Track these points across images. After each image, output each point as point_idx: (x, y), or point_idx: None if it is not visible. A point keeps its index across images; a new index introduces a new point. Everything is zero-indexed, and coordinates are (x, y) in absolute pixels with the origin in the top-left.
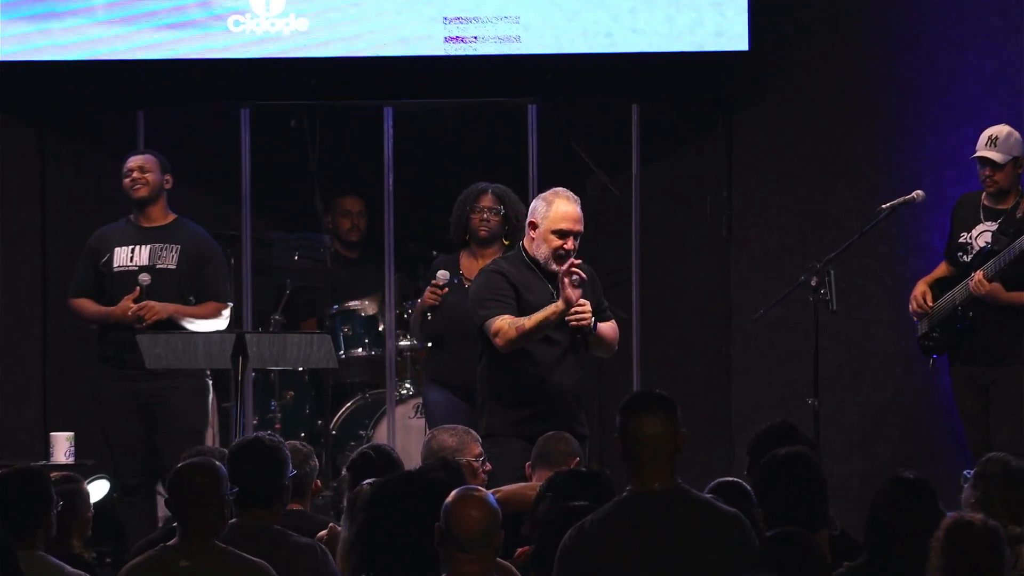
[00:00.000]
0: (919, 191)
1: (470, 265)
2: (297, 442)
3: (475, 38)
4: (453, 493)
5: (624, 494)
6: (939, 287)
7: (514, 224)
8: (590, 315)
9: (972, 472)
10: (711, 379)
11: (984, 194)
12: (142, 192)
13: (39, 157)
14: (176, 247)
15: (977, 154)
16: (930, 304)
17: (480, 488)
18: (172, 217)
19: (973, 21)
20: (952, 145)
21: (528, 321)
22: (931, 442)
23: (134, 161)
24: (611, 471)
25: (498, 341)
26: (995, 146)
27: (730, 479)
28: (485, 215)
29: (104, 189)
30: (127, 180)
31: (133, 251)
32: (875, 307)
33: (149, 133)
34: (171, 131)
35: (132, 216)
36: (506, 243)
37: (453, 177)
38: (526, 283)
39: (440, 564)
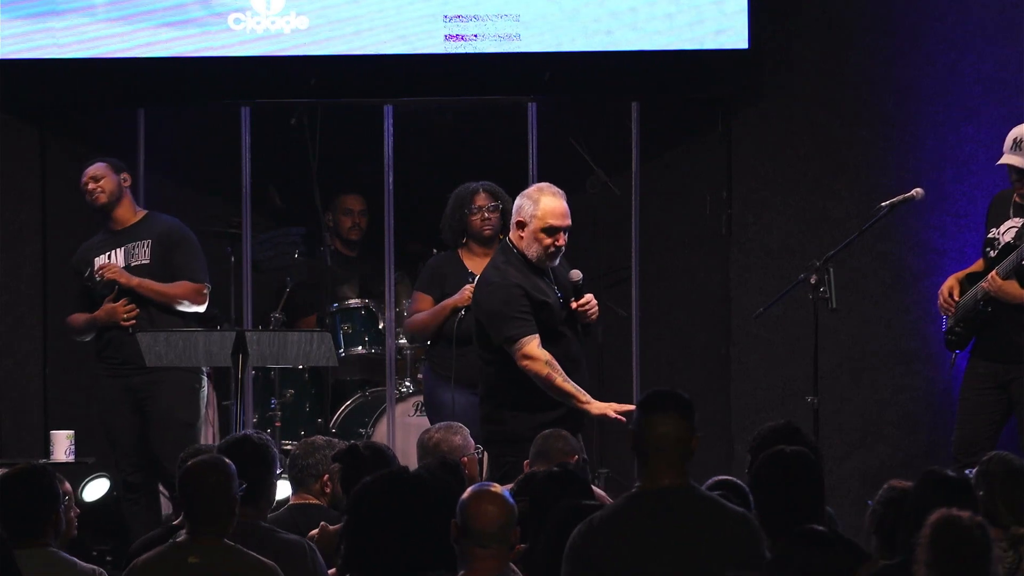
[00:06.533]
0: (918, 189)
1: (477, 264)
2: (320, 437)
3: (475, 36)
4: (470, 490)
5: (633, 490)
6: (970, 282)
7: (508, 218)
8: (597, 307)
9: (974, 472)
10: (711, 378)
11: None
12: (101, 199)
13: (39, 157)
14: (147, 242)
15: (1001, 161)
16: (956, 299)
17: (495, 484)
18: (142, 214)
19: (972, 21)
20: (951, 144)
21: (564, 382)
22: (930, 442)
23: (85, 174)
24: (608, 470)
25: (528, 365)
26: (1019, 150)
27: (727, 478)
28: (486, 214)
29: None
30: (85, 194)
31: (110, 257)
32: (875, 305)
33: (149, 131)
34: (171, 129)
35: (105, 223)
36: (501, 237)
37: (453, 175)
38: (535, 286)
39: (455, 560)
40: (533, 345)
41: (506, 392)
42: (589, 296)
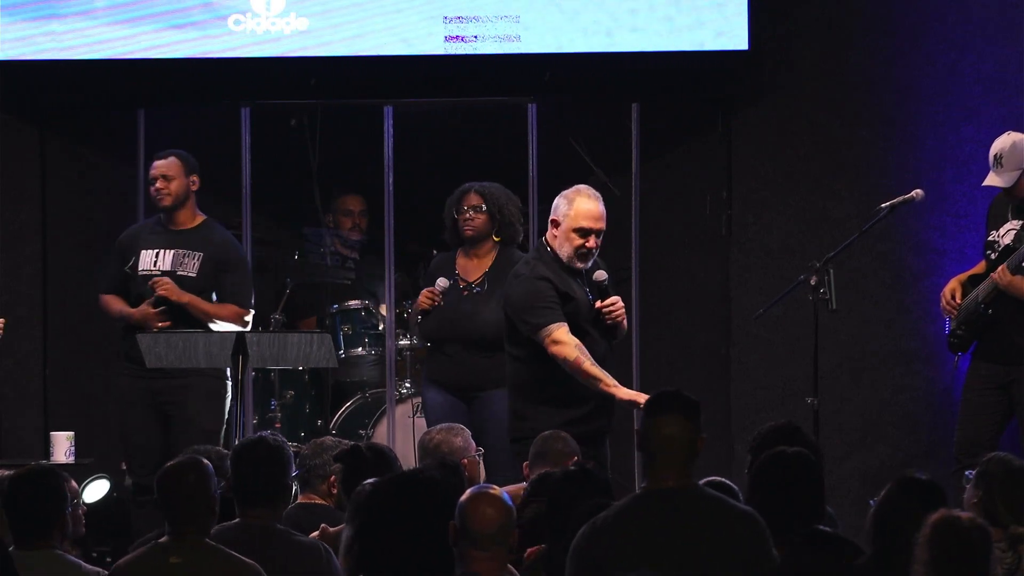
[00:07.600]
0: (918, 190)
1: (465, 265)
2: (329, 437)
3: (475, 37)
4: (468, 492)
5: (639, 491)
6: (972, 284)
7: (499, 220)
8: (623, 311)
9: (974, 472)
10: (711, 378)
11: None
12: (167, 202)
13: (39, 157)
14: (199, 255)
15: (985, 182)
16: (958, 302)
17: (494, 486)
18: (200, 219)
19: (972, 21)
20: (951, 144)
21: (592, 365)
22: (930, 442)
23: (157, 168)
24: (608, 470)
25: (557, 350)
26: (1000, 166)
27: (717, 478)
28: (468, 215)
29: (104, 189)
30: (152, 188)
31: (157, 255)
32: (874, 306)
33: (150, 132)
34: (172, 130)
35: (162, 216)
36: (496, 239)
37: (453, 176)
38: (566, 283)
39: (455, 563)
40: (562, 331)
41: (533, 388)
42: (615, 298)
